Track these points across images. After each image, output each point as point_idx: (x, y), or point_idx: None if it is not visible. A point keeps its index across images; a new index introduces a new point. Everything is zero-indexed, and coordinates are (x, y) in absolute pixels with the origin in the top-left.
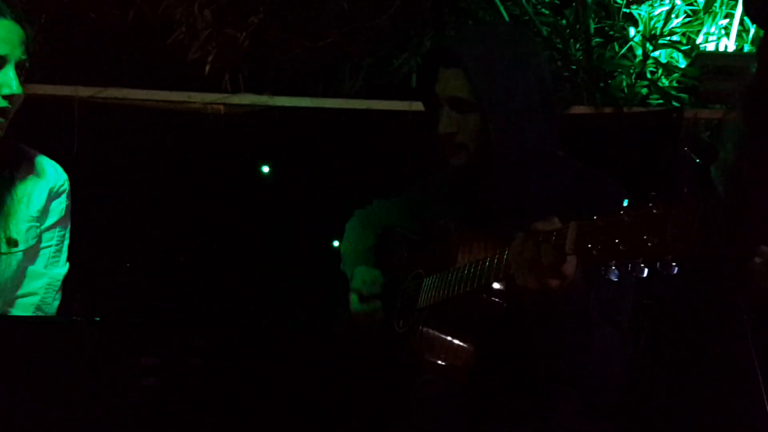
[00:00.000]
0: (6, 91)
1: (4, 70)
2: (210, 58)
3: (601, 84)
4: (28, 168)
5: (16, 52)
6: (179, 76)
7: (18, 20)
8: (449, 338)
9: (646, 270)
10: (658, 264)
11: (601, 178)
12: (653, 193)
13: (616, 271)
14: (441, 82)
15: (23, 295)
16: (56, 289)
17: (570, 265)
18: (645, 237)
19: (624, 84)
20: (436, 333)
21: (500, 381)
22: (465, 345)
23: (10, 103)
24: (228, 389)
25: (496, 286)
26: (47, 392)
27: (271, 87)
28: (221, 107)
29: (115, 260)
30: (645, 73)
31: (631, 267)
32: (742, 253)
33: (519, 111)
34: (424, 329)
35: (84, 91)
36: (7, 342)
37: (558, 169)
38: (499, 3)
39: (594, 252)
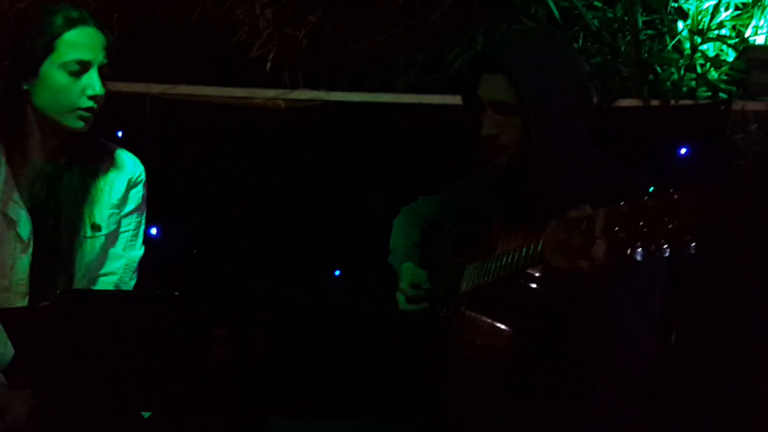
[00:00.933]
0: (90, 92)
1: (89, 74)
2: (270, 56)
3: (651, 77)
4: (110, 160)
5: (99, 57)
6: (242, 73)
7: (100, 28)
8: (489, 320)
9: (668, 250)
10: (680, 243)
11: (633, 173)
12: (674, 180)
13: (642, 252)
14: (484, 87)
15: (104, 274)
16: (133, 269)
17: (599, 248)
18: (666, 219)
19: (675, 77)
20: (477, 315)
21: (537, 362)
22: (504, 327)
23: (95, 103)
24: (285, 358)
25: (533, 272)
26: (129, 356)
27: (328, 82)
28: (281, 102)
29: (184, 244)
30: (694, 67)
31: (654, 247)
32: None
33: (559, 113)
34: (466, 312)
35: (155, 88)
36: (96, 312)
37: (594, 166)
38: (550, 1)
39: (621, 234)
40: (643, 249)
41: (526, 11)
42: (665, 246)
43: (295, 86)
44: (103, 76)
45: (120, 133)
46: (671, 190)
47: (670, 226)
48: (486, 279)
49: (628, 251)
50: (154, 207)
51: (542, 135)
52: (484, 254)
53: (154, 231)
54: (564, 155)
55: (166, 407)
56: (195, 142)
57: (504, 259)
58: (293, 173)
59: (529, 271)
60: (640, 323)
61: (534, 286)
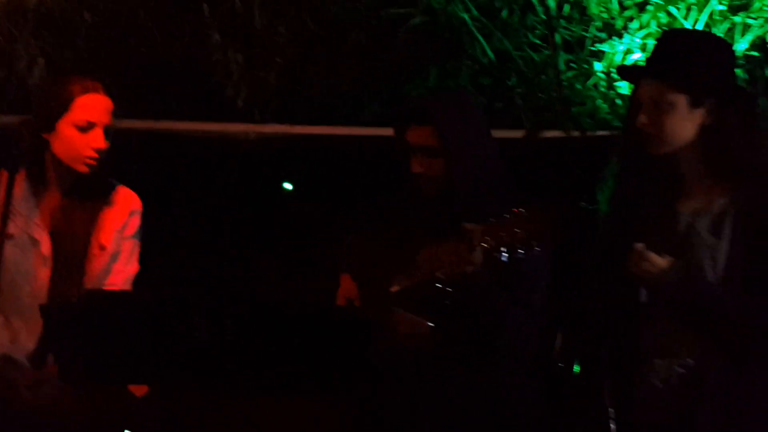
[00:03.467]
0: (94, 146)
1: (94, 132)
2: (242, 95)
3: (575, 109)
4: (114, 195)
5: (104, 119)
6: (218, 109)
7: (107, 94)
8: (411, 315)
9: (521, 252)
10: (526, 247)
11: (524, 197)
12: (527, 200)
13: (505, 254)
14: (413, 134)
15: (108, 285)
16: (131, 281)
17: (477, 254)
18: (516, 230)
19: (598, 113)
20: (401, 311)
21: (450, 346)
22: (422, 320)
23: (97, 154)
24: (247, 340)
25: (441, 275)
26: (130, 335)
27: (297, 116)
28: (253, 135)
29: (169, 262)
30: (612, 101)
31: (511, 250)
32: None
33: (473, 156)
34: (393, 308)
35: (140, 124)
36: (103, 309)
37: (498, 193)
38: (486, 45)
39: (492, 242)
40: (505, 252)
41: (470, 52)
42: (519, 249)
43: (264, 120)
44: (109, 134)
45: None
46: (521, 210)
47: (519, 235)
48: (408, 282)
49: (495, 254)
50: (146, 232)
51: (460, 172)
52: (410, 263)
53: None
54: (477, 186)
55: (162, 380)
56: (176, 170)
57: (421, 265)
58: (264, 197)
59: (438, 274)
60: (520, 314)
61: (443, 286)
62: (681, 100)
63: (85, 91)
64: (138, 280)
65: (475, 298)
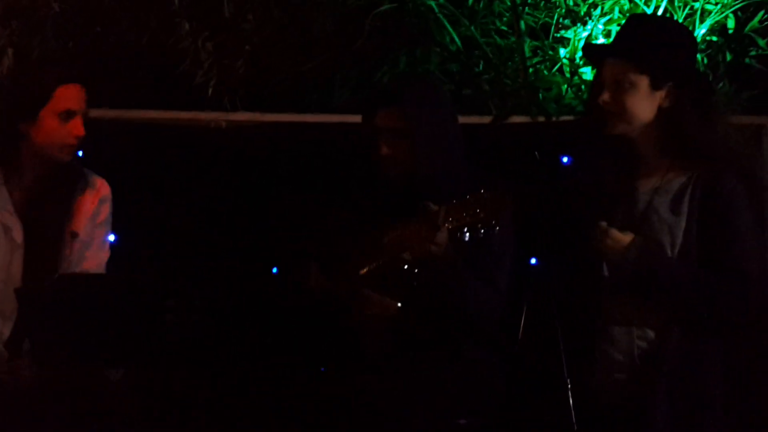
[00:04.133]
0: (75, 134)
1: (75, 120)
2: (212, 83)
3: (541, 96)
4: (85, 182)
5: (82, 107)
6: (187, 97)
7: (83, 83)
8: (381, 297)
9: (482, 231)
10: (488, 226)
11: (488, 179)
12: (490, 181)
13: (468, 234)
14: (381, 117)
15: (81, 272)
16: (102, 267)
17: (441, 235)
18: (478, 210)
19: (563, 98)
20: (370, 292)
21: (416, 323)
22: (389, 299)
23: (77, 141)
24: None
25: (407, 256)
26: (103, 318)
27: (266, 104)
28: (223, 123)
29: (141, 249)
30: (577, 87)
31: (474, 231)
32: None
33: (437, 138)
34: (363, 290)
35: (111, 113)
36: (77, 290)
37: (462, 175)
38: (453, 32)
39: (455, 222)
40: (467, 232)
41: (438, 39)
42: (481, 229)
43: (234, 108)
44: (85, 120)
45: (80, 153)
46: (482, 191)
47: (481, 216)
48: (375, 263)
49: (458, 234)
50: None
51: (424, 154)
52: (378, 244)
53: (111, 237)
54: (441, 167)
55: (136, 363)
56: (146, 159)
57: (387, 247)
58: (233, 185)
59: (405, 255)
60: (484, 290)
61: (410, 267)
62: (643, 81)
63: (64, 80)
64: (108, 267)
65: (441, 278)
